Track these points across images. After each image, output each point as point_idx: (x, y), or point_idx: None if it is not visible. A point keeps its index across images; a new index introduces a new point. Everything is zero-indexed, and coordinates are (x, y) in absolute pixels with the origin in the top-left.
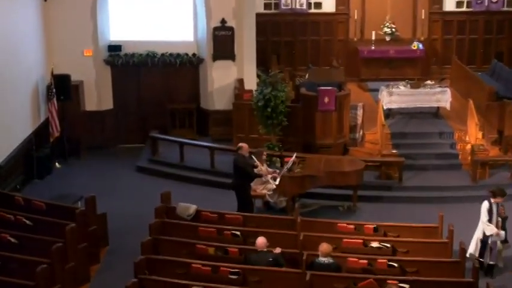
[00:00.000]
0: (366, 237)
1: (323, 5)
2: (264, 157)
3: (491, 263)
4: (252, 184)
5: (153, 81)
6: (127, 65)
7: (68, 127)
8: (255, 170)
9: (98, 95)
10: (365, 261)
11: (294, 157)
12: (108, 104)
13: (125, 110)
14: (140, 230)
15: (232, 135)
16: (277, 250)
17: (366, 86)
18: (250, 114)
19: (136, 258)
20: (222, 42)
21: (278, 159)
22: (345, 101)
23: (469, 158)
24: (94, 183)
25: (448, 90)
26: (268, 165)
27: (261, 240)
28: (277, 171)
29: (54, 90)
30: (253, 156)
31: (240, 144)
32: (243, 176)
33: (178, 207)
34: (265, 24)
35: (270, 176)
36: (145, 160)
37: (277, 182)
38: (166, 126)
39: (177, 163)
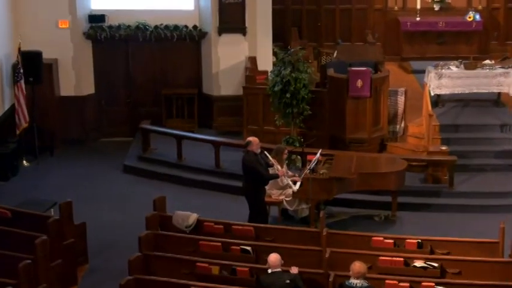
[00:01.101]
0: (407, 255)
1: None
2: (285, 156)
3: None
4: (266, 188)
5: (145, 60)
6: (112, 40)
7: (38, 116)
8: (270, 170)
9: (76, 77)
10: (407, 284)
11: (318, 155)
12: (88, 88)
13: (110, 96)
14: (128, 245)
15: (243, 127)
16: (294, 270)
17: (409, 66)
18: (265, 102)
19: (123, 280)
20: (231, 11)
21: (299, 157)
22: (383, 85)
23: None
24: (71, 186)
25: None
26: (288, 166)
27: (274, 257)
28: (298, 172)
29: (21, 70)
30: (268, 154)
31: (249, 138)
32: (254, 178)
33: (175, 217)
34: None
35: (289, 178)
36: (134, 158)
37: (297, 186)
38: (160, 115)
39: (174, 162)
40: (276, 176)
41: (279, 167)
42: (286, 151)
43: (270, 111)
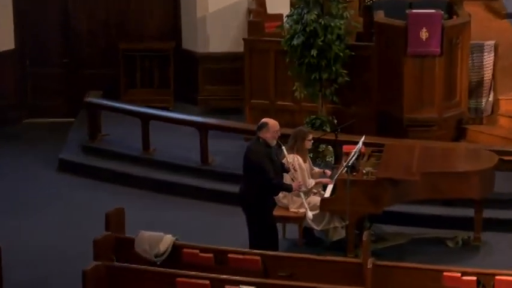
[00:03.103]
0: None
1: None
2: (309, 145)
3: None
4: (279, 197)
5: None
6: None
7: None
8: (286, 175)
9: None
10: None
11: (360, 145)
12: (6, 41)
13: (38, 53)
14: (66, 282)
15: (244, 102)
16: None
17: (502, 7)
18: (278, 62)
19: None
20: None
21: (330, 148)
22: (461, 37)
23: None
24: None
25: None
26: (313, 161)
27: None
28: (329, 172)
29: None
30: (285, 149)
31: (266, 120)
32: (260, 181)
33: (140, 240)
34: None
35: (313, 182)
36: (75, 149)
37: (328, 193)
38: (117, 84)
39: (138, 155)
40: (288, 189)
41: (301, 165)
42: (310, 137)
43: (285, 78)
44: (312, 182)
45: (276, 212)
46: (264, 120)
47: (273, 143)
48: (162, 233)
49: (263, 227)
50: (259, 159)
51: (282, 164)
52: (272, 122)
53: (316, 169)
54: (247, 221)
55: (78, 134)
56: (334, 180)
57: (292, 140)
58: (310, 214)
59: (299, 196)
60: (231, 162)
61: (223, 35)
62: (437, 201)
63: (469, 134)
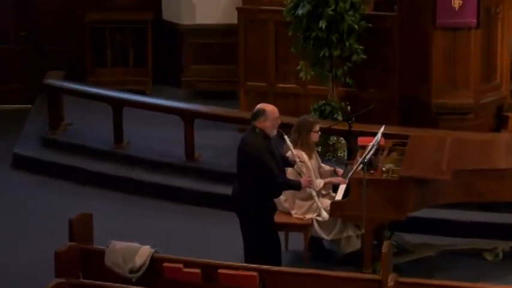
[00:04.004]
0: None
1: None
2: (316, 137)
3: None
4: (279, 201)
5: None
6: None
7: None
8: (289, 173)
9: None
10: None
11: (379, 136)
12: None
13: None
14: None
15: (238, 84)
16: None
17: None
18: (280, 36)
19: None
20: None
21: (343, 140)
22: (501, 6)
23: None
24: None
25: None
26: (322, 156)
27: None
28: (341, 170)
29: None
30: (288, 139)
31: (263, 106)
32: (258, 181)
33: (112, 252)
34: None
35: (322, 182)
36: (33, 142)
37: (340, 195)
38: (83, 62)
39: (108, 149)
40: (296, 186)
41: (307, 163)
42: (317, 128)
43: (288, 55)
44: (320, 183)
45: (277, 219)
46: (260, 106)
47: (273, 133)
48: (138, 244)
49: (262, 236)
50: (258, 154)
51: (284, 158)
52: (270, 108)
53: (326, 167)
54: (242, 229)
55: (35, 123)
56: (347, 180)
57: (296, 132)
58: (325, 214)
59: (305, 199)
60: (222, 158)
61: (213, 4)
62: (472, 205)
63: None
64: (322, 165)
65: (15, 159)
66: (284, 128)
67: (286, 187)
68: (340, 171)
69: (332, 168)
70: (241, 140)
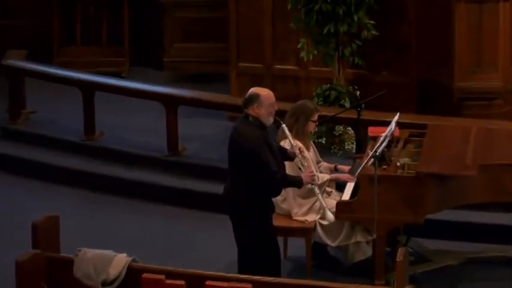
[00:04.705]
0: None
1: None
2: (314, 126)
3: None
4: (277, 201)
5: None
6: None
7: None
8: (289, 164)
9: None
10: None
11: (393, 125)
12: None
13: None
14: None
15: (228, 66)
16: None
17: None
18: (277, 10)
19: None
20: None
21: (350, 130)
22: None
23: None
24: None
25: None
26: (327, 151)
27: None
28: (344, 167)
29: None
30: (286, 128)
31: (255, 90)
32: (253, 178)
33: (81, 261)
34: None
35: (327, 177)
36: None
37: (347, 195)
38: (48, 40)
39: (79, 141)
40: (297, 182)
41: (307, 156)
42: (315, 116)
43: (287, 31)
44: (323, 178)
45: (274, 222)
46: (253, 90)
47: (269, 121)
48: (112, 252)
49: (258, 241)
50: (253, 146)
51: (282, 150)
52: (265, 92)
53: (324, 163)
54: (236, 233)
55: None
56: (355, 177)
57: (292, 117)
58: (330, 215)
59: (306, 196)
60: (210, 151)
61: None
62: (501, 205)
63: None
64: (321, 160)
65: None
66: (282, 117)
67: (286, 184)
68: (343, 168)
69: (332, 165)
70: (232, 130)
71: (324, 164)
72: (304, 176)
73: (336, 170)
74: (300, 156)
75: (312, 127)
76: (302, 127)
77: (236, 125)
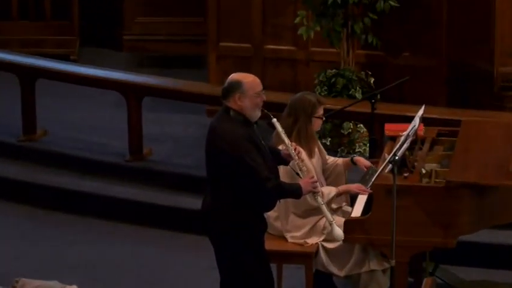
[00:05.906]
0: None
1: None
2: (318, 126)
3: None
4: (269, 217)
5: None
6: None
7: None
8: (284, 169)
9: None
10: None
11: (417, 121)
12: None
13: None
14: None
15: (207, 46)
16: None
17: None
18: None
19: None
20: None
21: (363, 128)
22: None
23: None
24: None
25: None
26: (333, 154)
27: None
28: (364, 160)
29: None
30: (278, 124)
31: (236, 77)
32: (239, 186)
33: None
34: None
35: (334, 191)
36: None
37: (358, 211)
38: None
39: (15, 142)
40: (295, 191)
41: (307, 163)
42: (321, 111)
43: (281, 3)
44: (330, 192)
45: (266, 245)
46: (234, 77)
47: (255, 115)
48: (58, 283)
49: (245, 268)
50: (237, 148)
51: (275, 152)
52: (249, 79)
53: (331, 158)
54: (218, 258)
55: None
56: (369, 188)
57: (290, 117)
58: (339, 231)
59: (304, 215)
60: (183, 156)
61: None
62: None
63: None
64: (329, 157)
65: None
66: (275, 112)
67: (281, 194)
68: (364, 161)
69: (347, 159)
70: (209, 128)
71: (331, 159)
72: (303, 182)
73: (352, 162)
74: (296, 158)
75: (317, 125)
76: (304, 128)
77: (214, 121)
